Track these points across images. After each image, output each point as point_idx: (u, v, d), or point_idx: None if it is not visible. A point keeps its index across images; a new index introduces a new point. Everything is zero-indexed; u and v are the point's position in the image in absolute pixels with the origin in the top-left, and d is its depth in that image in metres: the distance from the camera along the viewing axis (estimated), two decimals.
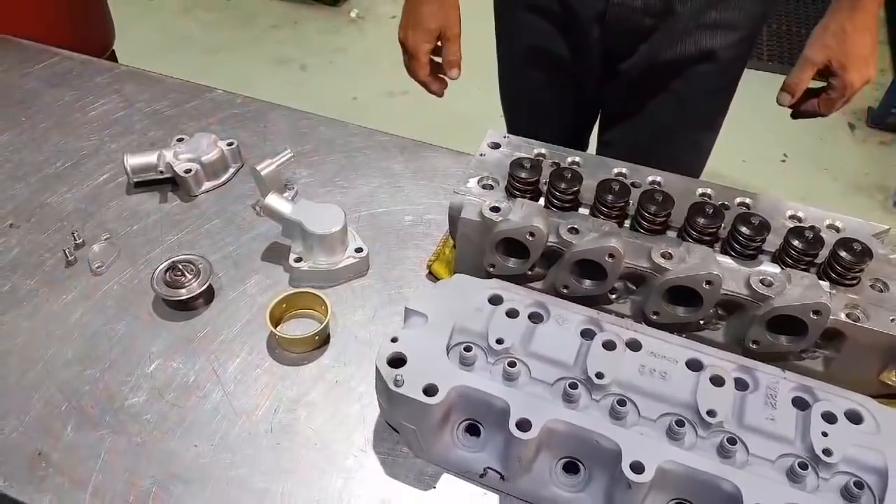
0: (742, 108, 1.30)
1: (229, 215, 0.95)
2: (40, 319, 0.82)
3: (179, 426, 0.73)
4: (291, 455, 0.71)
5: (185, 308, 0.83)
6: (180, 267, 0.83)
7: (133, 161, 0.95)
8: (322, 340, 0.80)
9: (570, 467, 0.66)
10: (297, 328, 0.82)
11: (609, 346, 0.69)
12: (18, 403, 0.74)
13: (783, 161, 1.24)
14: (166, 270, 0.83)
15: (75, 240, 0.90)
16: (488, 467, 0.68)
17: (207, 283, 0.82)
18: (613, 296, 0.80)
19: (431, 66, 1.07)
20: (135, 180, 0.97)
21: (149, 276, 0.85)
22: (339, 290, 0.87)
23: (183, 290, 0.82)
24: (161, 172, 0.96)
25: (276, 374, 0.78)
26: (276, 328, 0.79)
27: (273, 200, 0.86)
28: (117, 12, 1.55)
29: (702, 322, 0.78)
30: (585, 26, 1.05)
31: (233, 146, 1.00)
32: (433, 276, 0.89)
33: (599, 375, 0.67)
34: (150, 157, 0.96)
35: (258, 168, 0.92)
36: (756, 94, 1.51)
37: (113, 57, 1.55)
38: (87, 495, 0.68)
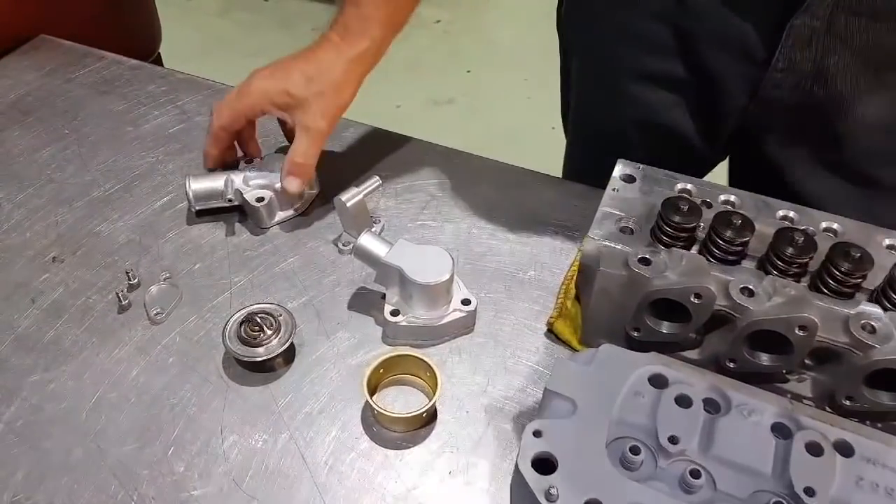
0: None
1: (307, 252, 0.81)
2: (90, 379, 0.69)
3: None
4: None
5: (262, 369, 0.69)
6: (258, 320, 0.69)
7: (197, 186, 0.82)
8: (429, 417, 0.66)
9: None
10: (397, 398, 0.68)
11: (814, 449, 0.54)
12: (65, 491, 0.61)
13: None
14: (241, 323, 0.69)
15: (129, 280, 0.76)
16: None
17: (289, 342, 0.69)
18: (785, 371, 0.66)
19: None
20: (197, 208, 0.83)
21: (215, 326, 0.72)
22: (441, 349, 0.72)
23: (261, 350, 0.68)
24: (229, 200, 0.82)
25: (375, 461, 0.63)
26: (372, 398, 0.65)
27: (367, 241, 0.72)
28: None
29: None
30: (726, 97, 0.86)
31: None
32: (553, 335, 0.74)
33: (809, 492, 0.52)
34: (216, 182, 0.82)
35: (343, 199, 0.78)
36: None
37: (158, 60, 1.42)
38: None
